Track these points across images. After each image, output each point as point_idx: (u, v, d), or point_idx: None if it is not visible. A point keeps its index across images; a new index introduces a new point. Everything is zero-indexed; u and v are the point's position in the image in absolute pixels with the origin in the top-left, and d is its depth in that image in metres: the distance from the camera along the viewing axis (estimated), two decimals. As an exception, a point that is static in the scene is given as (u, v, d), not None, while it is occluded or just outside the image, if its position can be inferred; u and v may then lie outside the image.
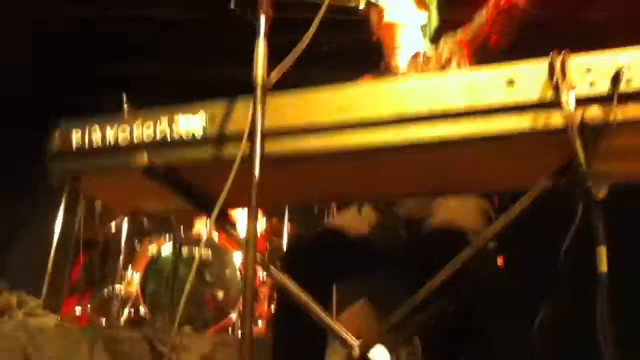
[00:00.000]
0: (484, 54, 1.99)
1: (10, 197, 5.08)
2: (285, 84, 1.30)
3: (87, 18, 4.82)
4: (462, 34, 2.08)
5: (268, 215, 4.19)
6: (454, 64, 2.01)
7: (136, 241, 3.97)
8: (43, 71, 5.09)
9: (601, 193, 1.04)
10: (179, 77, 5.27)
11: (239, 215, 3.72)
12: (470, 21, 2.07)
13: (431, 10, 2.24)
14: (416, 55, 2.15)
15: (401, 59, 2.18)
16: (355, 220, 1.89)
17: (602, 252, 1.04)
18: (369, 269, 1.92)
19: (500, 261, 1.90)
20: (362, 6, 1.96)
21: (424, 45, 2.21)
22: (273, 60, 1.29)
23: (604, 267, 1.03)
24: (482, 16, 2.01)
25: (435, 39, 2.20)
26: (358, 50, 2.40)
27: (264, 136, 1.23)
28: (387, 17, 2.15)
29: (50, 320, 3.47)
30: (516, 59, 1.21)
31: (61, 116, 1.48)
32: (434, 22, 2.27)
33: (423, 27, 2.23)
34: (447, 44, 2.10)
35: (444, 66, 2.02)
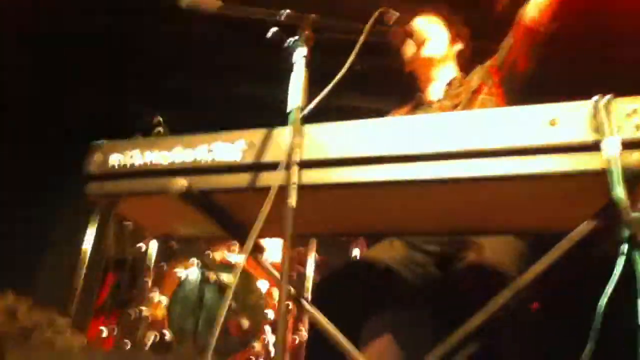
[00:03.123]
0: (512, 78, 1.99)
1: (40, 213, 5.18)
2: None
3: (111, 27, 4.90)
4: (491, 61, 2.09)
5: (293, 244, 4.17)
6: (485, 91, 2.02)
7: (164, 263, 3.99)
8: (79, 87, 5.20)
9: (645, 240, 1.01)
10: (204, 92, 5.35)
11: (267, 242, 3.72)
12: (497, 49, 2.09)
13: (467, 39, 2.28)
14: (451, 84, 2.16)
15: (436, 90, 2.19)
16: (386, 254, 1.88)
17: (641, 304, 1.00)
18: (397, 304, 1.89)
19: (536, 305, 1.85)
20: (400, 36, 1.98)
21: (458, 73, 2.23)
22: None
23: (644, 321, 0.99)
24: (508, 41, 2.01)
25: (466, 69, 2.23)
26: (387, 74, 2.41)
27: (301, 166, 1.24)
28: (425, 52, 2.16)
29: (77, 340, 3.48)
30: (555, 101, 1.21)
31: (93, 134, 1.51)
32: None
33: (457, 58, 2.25)
34: (477, 73, 2.11)
35: (474, 93, 2.03)
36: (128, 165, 1.41)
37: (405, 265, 1.86)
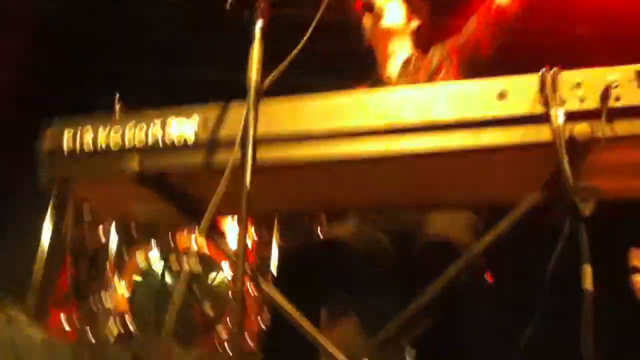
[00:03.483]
0: (473, 62, 2.01)
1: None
2: (276, 87, 1.31)
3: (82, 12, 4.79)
4: (451, 42, 2.11)
5: (257, 226, 4.17)
6: (443, 72, 2.04)
7: (125, 253, 3.93)
8: (31, 66, 5.05)
9: (587, 209, 1.05)
10: (171, 76, 5.27)
11: (228, 226, 3.70)
12: (459, 30, 2.10)
13: (424, 17, 2.28)
14: (408, 62, 2.18)
15: (393, 66, 2.21)
16: (345, 233, 1.89)
17: (587, 270, 1.04)
18: (358, 283, 1.91)
19: (488, 276, 1.90)
20: (359, 6, 1.97)
21: (414, 51, 2.24)
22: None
23: (589, 284, 1.03)
24: (472, 24, 2.03)
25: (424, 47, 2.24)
26: (349, 54, 2.41)
27: (255, 143, 1.24)
28: (384, 23, 2.18)
29: (38, 335, 3.40)
30: (504, 73, 1.23)
31: (49, 115, 1.47)
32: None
33: (413, 34, 2.27)
34: (436, 52, 2.13)
35: (433, 74, 2.05)
36: (80, 145, 1.38)
37: (364, 243, 1.88)
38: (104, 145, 1.37)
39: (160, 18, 4.74)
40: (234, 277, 3.59)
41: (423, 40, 2.27)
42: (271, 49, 1.32)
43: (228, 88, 1.35)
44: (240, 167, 1.23)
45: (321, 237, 3.37)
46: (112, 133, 1.36)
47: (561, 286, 1.18)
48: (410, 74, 2.13)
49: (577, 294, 1.09)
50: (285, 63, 1.31)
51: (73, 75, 5.17)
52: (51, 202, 3.67)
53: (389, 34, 2.20)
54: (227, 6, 1.29)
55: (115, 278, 3.85)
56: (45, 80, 5.07)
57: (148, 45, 4.99)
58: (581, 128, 1.14)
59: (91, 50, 5.12)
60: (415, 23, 2.26)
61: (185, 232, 3.89)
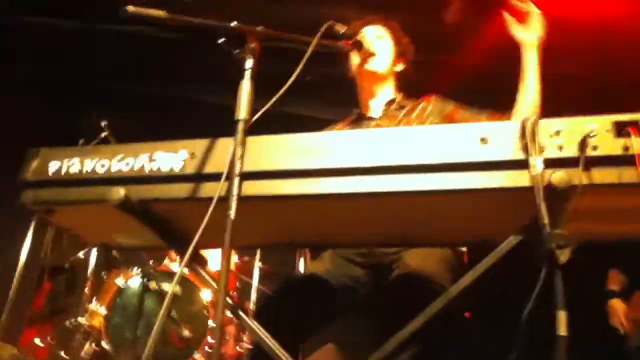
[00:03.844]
0: None
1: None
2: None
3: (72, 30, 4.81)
4: (452, 109, 2.11)
5: (240, 253, 4.17)
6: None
7: (103, 272, 3.89)
8: (9, 86, 5.05)
9: (564, 256, 1.07)
10: (157, 94, 5.30)
11: (210, 253, 3.69)
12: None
13: (409, 60, 2.32)
14: (390, 103, 2.22)
15: (375, 107, 2.24)
16: (324, 269, 1.91)
17: (562, 316, 1.07)
18: (335, 318, 1.92)
19: (467, 313, 1.92)
20: (349, 48, 2.00)
21: (397, 94, 2.28)
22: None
23: (563, 330, 1.06)
24: (482, 115, 2.04)
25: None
26: (333, 81, 2.45)
27: (242, 177, 1.25)
28: (371, 65, 2.20)
29: (6, 351, 3.35)
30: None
31: (37, 139, 1.47)
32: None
33: (397, 76, 2.31)
34: (431, 107, 2.14)
35: (420, 123, 2.07)
36: (65, 173, 1.39)
37: (343, 281, 1.90)
38: (89, 175, 1.38)
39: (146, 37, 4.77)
40: (214, 304, 3.57)
41: (403, 84, 2.32)
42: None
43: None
44: (224, 200, 1.24)
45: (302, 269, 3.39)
46: (99, 164, 1.37)
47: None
48: (391, 116, 2.17)
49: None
50: (271, 101, 1.34)
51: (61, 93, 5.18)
52: (32, 223, 3.63)
53: (374, 75, 2.24)
54: (218, 44, 1.31)
55: (93, 298, 3.80)
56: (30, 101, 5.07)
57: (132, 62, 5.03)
58: (559, 175, 1.17)
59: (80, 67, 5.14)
60: (400, 66, 2.31)
61: (168, 257, 3.88)
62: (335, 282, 1.88)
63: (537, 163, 1.16)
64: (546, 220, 1.13)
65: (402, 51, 2.29)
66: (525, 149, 1.20)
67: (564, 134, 1.21)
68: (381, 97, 2.26)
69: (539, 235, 1.14)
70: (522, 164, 1.20)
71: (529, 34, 1.86)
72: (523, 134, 1.21)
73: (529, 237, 1.24)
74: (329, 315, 1.88)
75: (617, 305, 3.62)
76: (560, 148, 1.20)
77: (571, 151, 1.19)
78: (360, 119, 2.26)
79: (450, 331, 1.66)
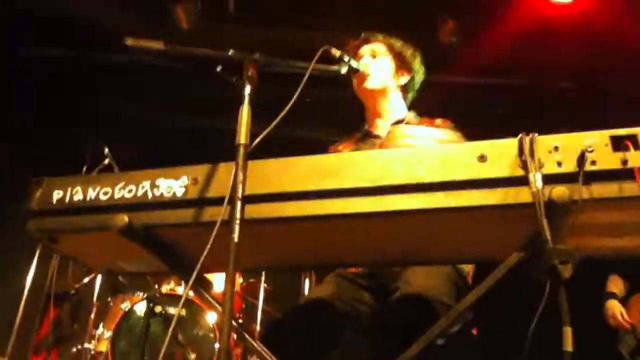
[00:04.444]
0: None
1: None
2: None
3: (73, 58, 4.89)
4: None
5: (244, 274, 4.16)
6: None
7: (109, 298, 3.89)
8: (13, 115, 5.11)
9: (567, 271, 1.07)
10: (157, 121, 5.36)
11: (215, 276, 3.68)
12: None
13: (415, 70, 2.29)
14: (398, 123, 2.18)
15: (382, 124, 2.23)
16: (330, 293, 1.91)
17: (568, 331, 1.06)
18: (342, 342, 1.91)
19: (474, 331, 1.91)
20: (343, 71, 2.01)
21: (404, 107, 2.24)
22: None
23: (569, 346, 1.05)
24: None
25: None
26: (334, 103, 2.45)
27: (244, 201, 1.26)
28: (368, 84, 2.19)
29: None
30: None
31: (41, 167, 1.49)
32: (420, 77, 2.31)
33: (404, 87, 2.28)
34: (451, 134, 2.04)
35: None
36: (68, 202, 1.40)
37: (349, 303, 1.90)
38: (92, 203, 1.39)
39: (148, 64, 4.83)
40: (219, 326, 3.56)
41: (409, 95, 2.30)
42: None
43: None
44: (227, 224, 1.25)
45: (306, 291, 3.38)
46: (101, 193, 1.38)
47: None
48: (398, 137, 2.12)
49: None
50: (271, 126, 1.35)
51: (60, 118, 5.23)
52: (38, 250, 3.64)
53: (372, 93, 2.23)
54: (217, 71, 1.33)
55: (99, 322, 3.80)
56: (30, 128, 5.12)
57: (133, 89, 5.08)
58: (560, 191, 1.18)
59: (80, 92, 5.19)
60: (405, 79, 2.28)
61: (173, 280, 3.88)
62: (341, 306, 1.88)
63: (537, 179, 1.17)
64: (548, 236, 1.13)
65: (403, 62, 2.27)
66: (524, 165, 1.21)
67: (562, 150, 1.21)
68: (388, 114, 2.23)
69: (541, 251, 1.14)
70: (521, 181, 1.21)
71: None
72: (521, 151, 1.22)
73: (531, 253, 1.25)
74: (335, 339, 1.88)
75: (614, 306, 3.64)
76: (559, 164, 1.21)
77: (570, 166, 1.20)
78: (365, 137, 2.24)
79: (456, 349, 1.66)
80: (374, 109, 2.25)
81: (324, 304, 1.88)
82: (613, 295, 3.68)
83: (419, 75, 2.31)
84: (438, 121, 2.13)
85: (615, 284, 3.74)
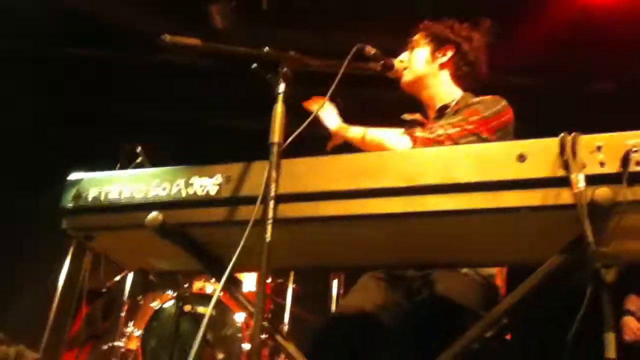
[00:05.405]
0: None
1: (13, 246, 5.08)
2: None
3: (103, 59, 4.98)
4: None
5: (273, 275, 4.16)
6: None
7: (139, 296, 3.94)
8: (48, 115, 5.22)
9: (610, 275, 1.04)
10: (187, 122, 5.43)
11: (245, 275, 3.70)
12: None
13: (460, 41, 2.10)
14: (443, 109, 2.05)
15: (431, 112, 2.12)
16: (365, 299, 1.90)
17: (611, 338, 1.02)
18: (383, 349, 1.89)
19: (509, 336, 1.87)
20: (377, 69, 1.95)
21: (452, 90, 2.10)
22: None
23: (612, 354, 1.01)
24: None
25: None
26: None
27: (277, 200, 1.25)
28: (404, 80, 2.11)
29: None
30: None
31: (72, 165, 1.51)
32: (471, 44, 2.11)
33: (451, 65, 2.11)
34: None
35: None
36: (103, 200, 1.41)
37: (385, 308, 1.88)
38: (127, 200, 1.40)
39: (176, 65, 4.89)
40: (248, 326, 3.57)
41: (463, 68, 2.11)
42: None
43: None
44: (260, 223, 1.25)
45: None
46: (136, 190, 1.39)
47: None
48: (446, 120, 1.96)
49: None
50: (304, 124, 1.34)
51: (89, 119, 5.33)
52: (71, 248, 3.70)
53: (414, 85, 2.12)
54: (252, 69, 1.33)
55: (129, 320, 3.85)
56: (62, 130, 5.23)
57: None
58: (602, 192, 1.13)
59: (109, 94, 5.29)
60: (447, 56, 2.10)
61: (203, 279, 3.90)
62: (378, 312, 1.86)
63: (579, 180, 1.13)
64: (591, 239, 1.09)
65: (441, 41, 2.11)
66: (566, 165, 1.17)
67: (605, 150, 1.17)
68: (434, 102, 2.10)
69: (584, 255, 1.11)
70: (562, 182, 1.17)
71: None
72: (563, 151, 1.18)
73: (572, 257, 1.21)
74: (373, 348, 1.86)
75: (630, 322, 3.81)
76: (602, 164, 1.16)
77: (613, 167, 1.16)
78: (420, 123, 2.12)
79: (489, 355, 1.63)
80: (421, 98, 2.15)
81: (360, 312, 1.86)
82: (630, 313, 3.85)
83: (469, 43, 2.09)
84: (482, 97, 1.97)
85: (634, 303, 3.91)
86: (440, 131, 1.80)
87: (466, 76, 2.12)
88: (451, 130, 1.79)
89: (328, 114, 2.06)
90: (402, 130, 1.97)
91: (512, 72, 3.98)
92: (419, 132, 1.87)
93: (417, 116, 2.17)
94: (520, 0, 3.52)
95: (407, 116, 2.17)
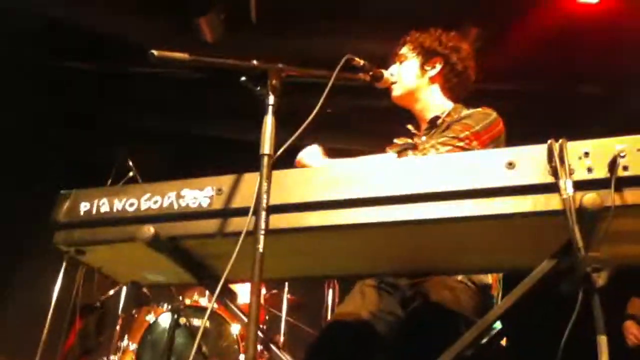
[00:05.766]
0: None
1: (6, 260, 5.05)
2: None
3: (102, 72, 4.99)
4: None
5: (268, 285, 4.16)
6: None
7: (134, 310, 3.92)
8: (46, 128, 5.22)
9: (601, 279, 1.04)
10: (179, 132, 5.44)
11: (239, 287, 3.68)
12: None
13: (448, 54, 2.10)
14: (434, 120, 2.05)
15: (423, 125, 2.12)
16: (360, 307, 1.90)
17: (603, 341, 1.03)
18: (374, 352, 1.90)
19: (504, 341, 1.87)
20: (366, 80, 1.95)
21: (443, 102, 2.10)
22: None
23: (605, 357, 1.02)
24: None
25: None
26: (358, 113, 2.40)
27: (269, 211, 1.26)
28: (394, 93, 2.12)
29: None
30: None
31: (67, 178, 1.51)
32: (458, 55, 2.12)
33: (440, 77, 2.11)
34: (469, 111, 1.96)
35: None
36: (95, 214, 1.41)
37: (379, 317, 1.88)
38: (118, 214, 1.40)
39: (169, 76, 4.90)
40: (243, 337, 3.56)
41: (453, 79, 2.12)
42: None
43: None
44: (252, 234, 1.25)
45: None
46: (127, 205, 1.39)
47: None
48: (436, 133, 1.99)
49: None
50: (294, 136, 1.35)
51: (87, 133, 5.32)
52: (64, 263, 3.68)
53: (404, 99, 2.13)
54: (240, 82, 1.34)
55: (124, 334, 3.82)
56: (59, 140, 5.22)
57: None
58: (591, 197, 1.15)
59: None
60: (436, 69, 2.10)
61: (197, 292, 3.89)
62: (373, 321, 1.87)
63: (567, 186, 1.14)
64: (580, 244, 1.10)
65: (430, 53, 2.11)
66: (554, 172, 1.18)
67: (592, 156, 1.18)
68: (425, 115, 2.10)
69: (574, 259, 1.12)
70: (551, 188, 1.18)
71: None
72: (551, 157, 1.19)
73: (562, 261, 1.21)
74: (369, 355, 1.86)
75: (631, 327, 3.85)
76: (590, 170, 1.18)
77: (601, 172, 1.17)
78: (410, 136, 2.14)
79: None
80: (412, 111, 2.16)
81: (356, 320, 1.86)
82: (632, 317, 3.88)
83: (457, 54, 2.11)
84: (472, 110, 1.98)
85: (636, 307, 3.94)
86: (432, 152, 1.80)
87: (456, 87, 2.13)
88: (443, 149, 1.79)
89: (312, 156, 2.00)
90: (393, 155, 1.99)
91: (501, 78, 4.01)
92: (411, 156, 1.89)
93: (408, 140, 2.16)
94: (508, 5, 3.54)
95: (397, 141, 2.17)
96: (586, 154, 1.19)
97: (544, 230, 1.24)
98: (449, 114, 2.03)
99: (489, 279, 1.82)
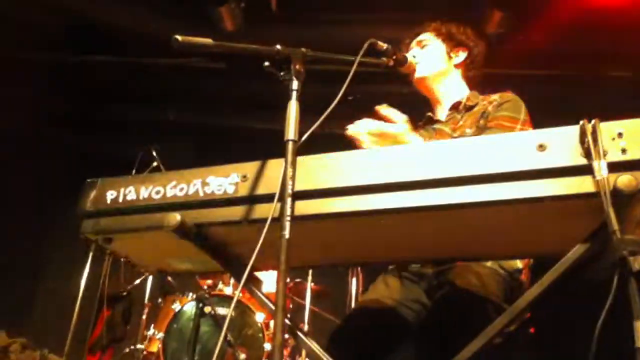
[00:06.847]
0: None
1: (35, 250, 5.15)
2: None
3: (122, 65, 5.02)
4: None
5: (291, 274, 4.16)
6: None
7: (160, 299, 3.96)
8: (63, 118, 5.28)
9: (638, 263, 1.01)
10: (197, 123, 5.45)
11: (265, 275, 3.69)
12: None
13: (472, 45, 2.19)
14: (456, 106, 2.10)
15: (442, 110, 2.16)
16: (385, 295, 1.90)
17: (639, 327, 1.00)
18: (404, 343, 1.89)
19: (532, 329, 1.85)
20: (390, 63, 1.95)
21: (464, 88, 2.16)
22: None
23: (640, 343, 0.99)
24: None
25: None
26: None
27: (294, 197, 1.25)
28: (418, 73, 2.13)
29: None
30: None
31: (91, 169, 1.52)
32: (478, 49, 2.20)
33: (463, 65, 2.19)
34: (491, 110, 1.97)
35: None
36: (122, 202, 1.42)
37: (404, 305, 1.88)
38: (145, 202, 1.40)
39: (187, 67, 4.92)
40: (268, 326, 3.57)
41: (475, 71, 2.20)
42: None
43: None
44: (278, 221, 1.24)
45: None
46: (153, 192, 1.39)
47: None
48: (455, 120, 2.06)
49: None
50: (319, 121, 1.33)
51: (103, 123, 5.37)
52: (90, 252, 3.73)
53: (425, 81, 2.16)
54: (264, 67, 1.32)
55: (150, 323, 3.87)
56: (79, 131, 5.28)
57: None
58: (626, 179, 1.11)
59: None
60: (460, 57, 2.19)
61: (222, 281, 3.91)
62: (398, 308, 1.87)
63: (601, 167, 1.11)
64: (615, 227, 1.07)
65: (456, 41, 2.19)
66: (587, 153, 1.15)
67: (626, 136, 1.15)
68: (446, 99, 2.16)
69: (609, 243, 1.08)
70: (584, 170, 1.15)
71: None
72: (583, 138, 1.16)
73: (596, 245, 1.18)
74: (395, 343, 1.86)
75: None
76: (624, 151, 1.14)
77: (636, 153, 1.13)
78: (427, 124, 2.19)
79: (512, 349, 1.61)
80: (431, 96, 2.20)
81: (381, 307, 1.85)
82: None
83: (477, 48, 2.21)
84: (494, 96, 2.01)
85: None
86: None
87: (472, 79, 2.22)
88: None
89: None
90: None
91: (529, 62, 3.94)
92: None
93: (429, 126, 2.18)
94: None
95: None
96: (620, 135, 1.15)
97: (577, 214, 1.21)
98: (468, 99, 2.10)
99: (519, 264, 1.80)
